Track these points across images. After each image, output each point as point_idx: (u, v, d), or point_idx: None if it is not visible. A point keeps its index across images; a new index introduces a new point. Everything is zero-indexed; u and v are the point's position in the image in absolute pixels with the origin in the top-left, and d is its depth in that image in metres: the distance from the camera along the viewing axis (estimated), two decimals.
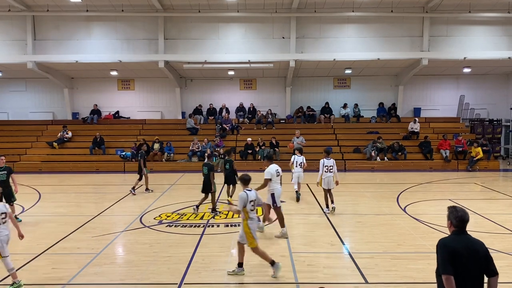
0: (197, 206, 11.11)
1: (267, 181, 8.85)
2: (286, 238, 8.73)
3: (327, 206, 11.19)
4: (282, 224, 8.89)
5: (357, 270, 6.93)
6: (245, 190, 6.82)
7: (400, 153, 20.61)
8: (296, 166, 12.66)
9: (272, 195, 8.88)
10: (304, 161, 12.75)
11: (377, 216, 10.69)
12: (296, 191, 12.76)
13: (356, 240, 8.77)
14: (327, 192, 11.14)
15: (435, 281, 4.00)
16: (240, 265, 6.80)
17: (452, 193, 14.23)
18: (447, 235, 4.02)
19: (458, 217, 3.94)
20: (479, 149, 19.68)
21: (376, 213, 11.02)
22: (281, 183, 9.32)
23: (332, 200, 11.10)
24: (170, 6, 21.20)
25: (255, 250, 6.73)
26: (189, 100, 25.17)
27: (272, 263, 6.65)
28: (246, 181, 6.97)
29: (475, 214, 10.86)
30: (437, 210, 11.12)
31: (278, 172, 9.16)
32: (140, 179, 14.04)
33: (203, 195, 11.21)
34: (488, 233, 9.00)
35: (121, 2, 20.55)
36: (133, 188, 13.84)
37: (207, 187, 11.12)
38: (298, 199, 12.63)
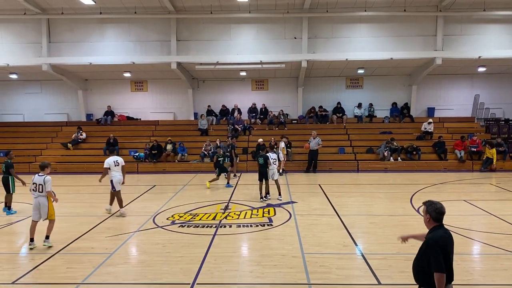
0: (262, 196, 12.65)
1: (105, 169, 11.00)
2: (124, 217, 10.66)
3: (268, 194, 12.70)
4: (121, 205, 10.96)
5: (370, 271, 6.87)
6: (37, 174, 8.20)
7: (414, 153, 20.41)
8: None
9: (111, 181, 10.94)
10: (284, 145, 18.22)
11: (391, 217, 10.60)
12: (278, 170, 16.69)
13: (369, 241, 8.69)
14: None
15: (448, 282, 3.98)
16: (32, 239, 8.22)
17: (466, 193, 14.01)
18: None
19: (437, 209, 4.06)
20: (494, 150, 19.38)
21: (390, 214, 10.93)
22: (123, 172, 11.19)
23: (268, 191, 12.65)
24: (182, 8, 21.34)
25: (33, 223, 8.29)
26: (202, 101, 25.26)
27: (31, 240, 8.19)
28: (40, 166, 8.30)
29: (491, 215, 10.69)
30: (451, 211, 10.83)
31: (117, 162, 11.10)
32: (232, 166, 17.38)
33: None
34: (504, 235, 8.82)
35: (134, 4, 20.76)
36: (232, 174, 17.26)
37: (263, 175, 12.51)
38: (280, 174, 16.08)
